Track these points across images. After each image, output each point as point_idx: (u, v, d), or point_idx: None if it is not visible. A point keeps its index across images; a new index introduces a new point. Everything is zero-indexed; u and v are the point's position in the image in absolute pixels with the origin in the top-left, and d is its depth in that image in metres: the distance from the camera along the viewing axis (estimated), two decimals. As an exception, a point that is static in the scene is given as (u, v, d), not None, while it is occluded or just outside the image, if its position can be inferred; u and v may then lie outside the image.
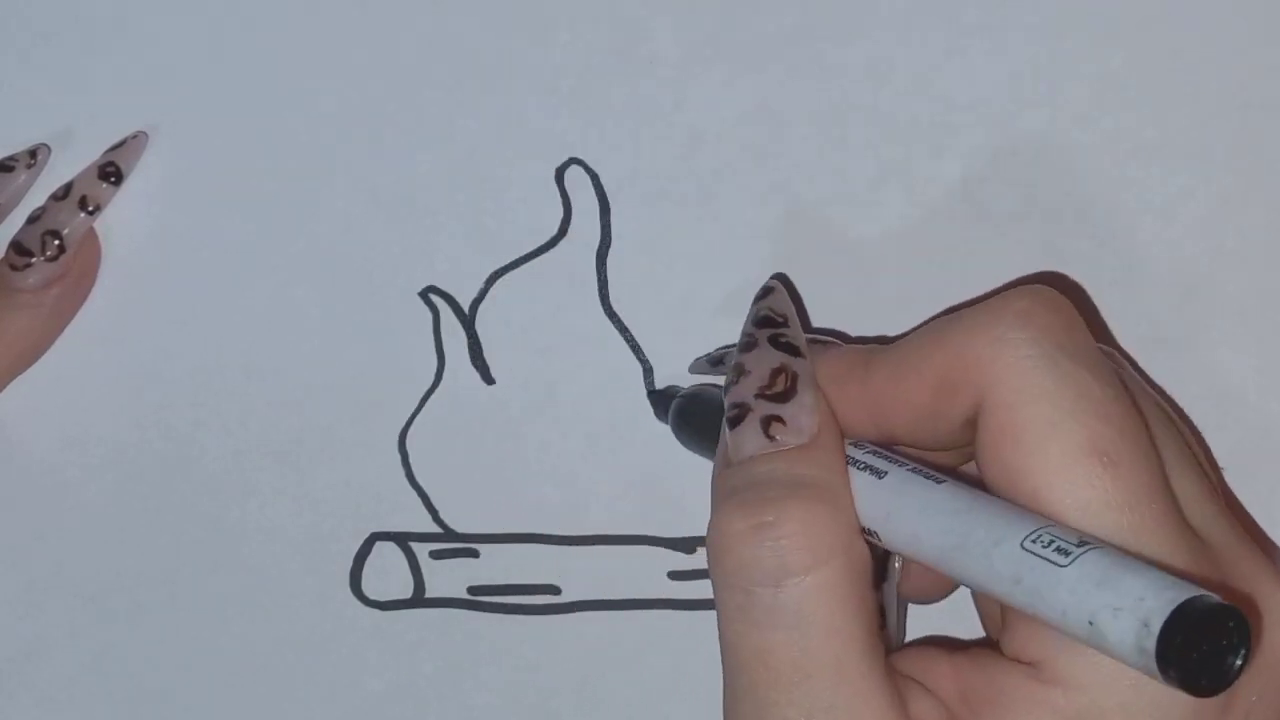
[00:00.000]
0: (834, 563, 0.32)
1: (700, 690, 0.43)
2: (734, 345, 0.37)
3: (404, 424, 0.43)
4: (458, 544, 0.43)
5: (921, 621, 0.41)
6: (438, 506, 0.43)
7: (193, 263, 0.43)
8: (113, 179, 0.42)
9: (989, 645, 0.34)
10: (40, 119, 0.43)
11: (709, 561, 0.33)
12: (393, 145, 0.42)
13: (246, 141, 0.43)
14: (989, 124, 0.41)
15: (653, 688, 0.43)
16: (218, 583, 0.44)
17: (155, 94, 0.43)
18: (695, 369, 0.42)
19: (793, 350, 0.36)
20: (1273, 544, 0.41)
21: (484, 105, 0.42)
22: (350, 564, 0.44)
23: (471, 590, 0.43)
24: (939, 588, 0.39)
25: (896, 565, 0.38)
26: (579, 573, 0.43)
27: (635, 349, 0.43)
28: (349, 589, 0.44)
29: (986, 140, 0.41)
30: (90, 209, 0.42)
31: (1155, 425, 0.34)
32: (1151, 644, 0.27)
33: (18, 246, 0.42)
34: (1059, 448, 0.32)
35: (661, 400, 0.42)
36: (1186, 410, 0.41)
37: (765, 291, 0.38)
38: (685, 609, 0.43)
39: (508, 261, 0.43)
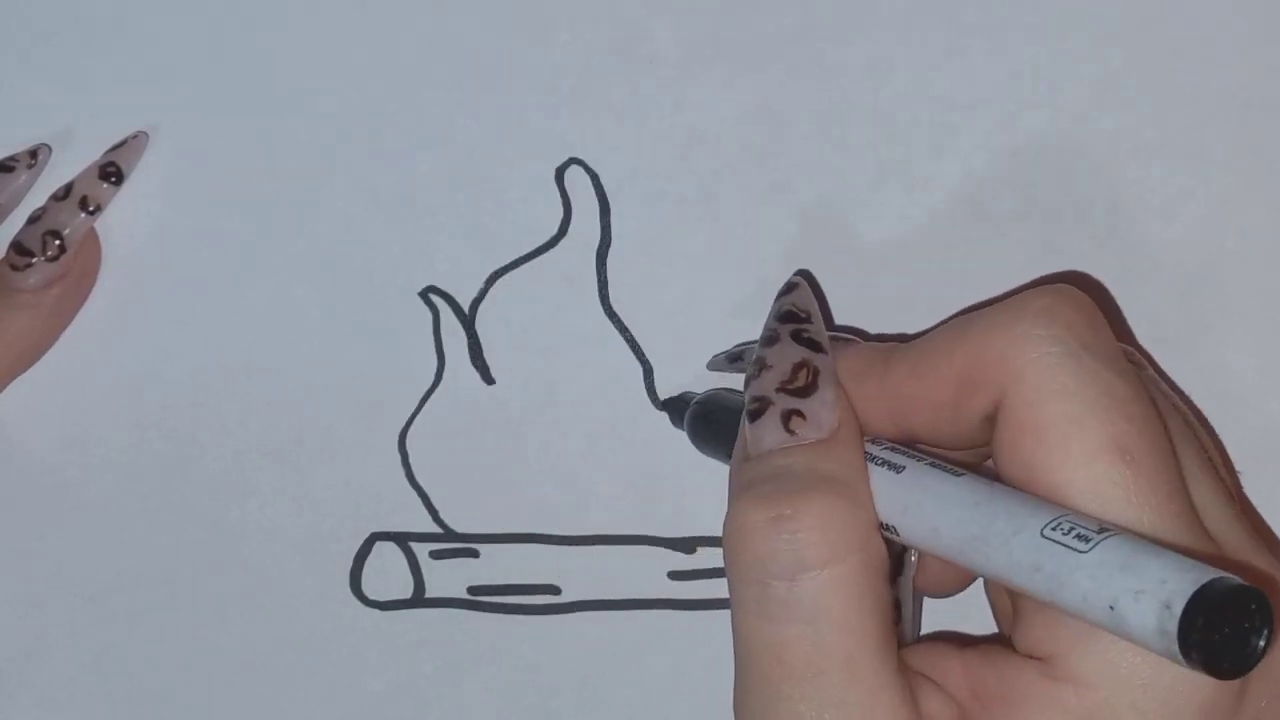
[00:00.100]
0: (851, 558, 0.32)
1: (700, 690, 0.43)
2: (752, 343, 0.37)
3: (404, 424, 0.43)
4: (458, 544, 0.43)
5: (933, 617, 0.41)
6: (438, 506, 0.43)
7: (193, 263, 0.43)
8: (113, 179, 0.42)
9: (1001, 641, 0.34)
10: (40, 119, 0.43)
11: (725, 553, 0.33)
12: (393, 145, 0.42)
13: (246, 141, 0.43)
14: (989, 124, 0.41)
15: (653, 688, 0.43)
16: (218, 583, 0.44)
17: (155, 94, 0.43)
18: (714, 365, 0.42)
19: (815, 346, 0.36)
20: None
21: (484, 105, 0.42)
22: (350, 564, 0.44)
23: (471, 590, 0.43)
24: (955, 582, 0.39)
25: (913, 559, 0.38)
26: (579, 573, 0.43)
27: (635, 349, 0.43)
28: (349, 589, 0.44)
29: (986, 140, 0.41)
30: (91, 209, 0.42)
31: (1174, 427, 0.34)
32: (1174, 626, 0.27)
33: (18, 246, 0.42)
34: (1080, 444, 0.32)
35: (675, 406, 0.42)
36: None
37: (789, 287, 0.38)
38: (685, 609, 0.43)
39: (508, 261, 0.43)
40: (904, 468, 0.34)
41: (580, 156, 0.42)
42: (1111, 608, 0.28)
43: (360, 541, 0.43)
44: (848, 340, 0.38)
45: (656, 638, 0.43)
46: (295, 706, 0.44)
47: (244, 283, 0.43)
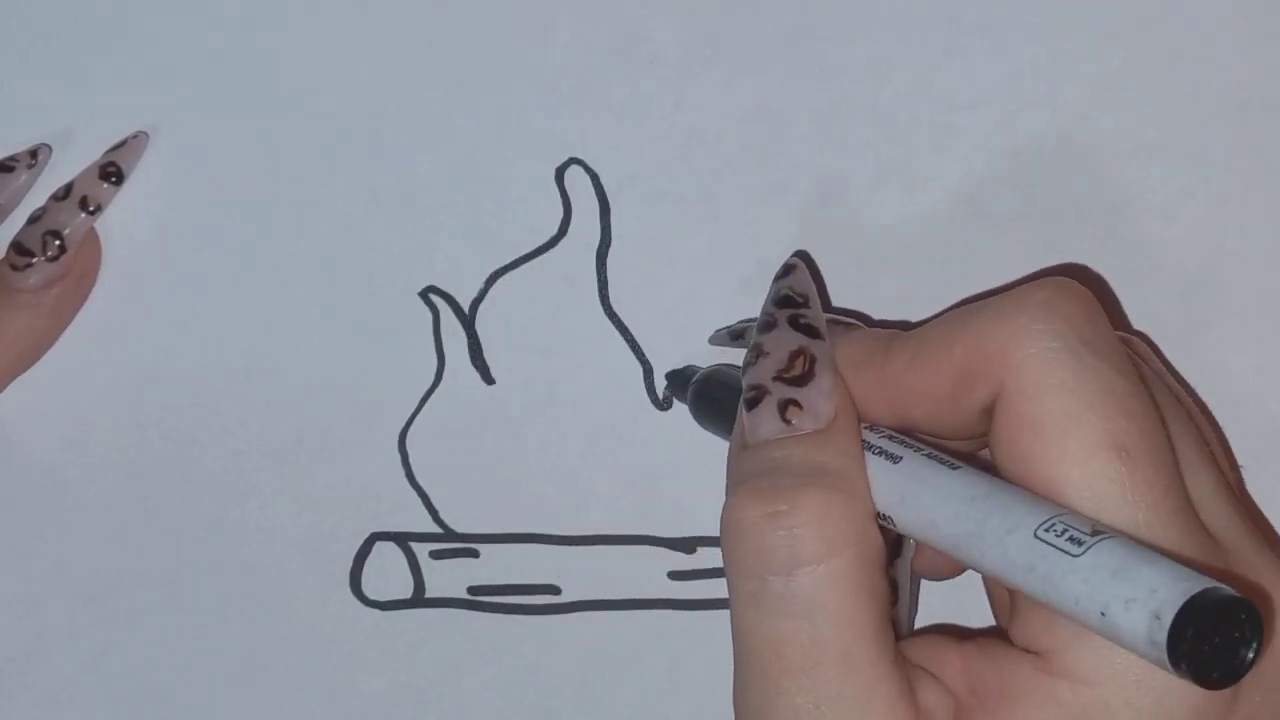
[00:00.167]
0: (847, 552, 0.32)
1: (700, 690, 0.43)
2: (754, 320, 0.37)
3: (404, 424, 0.43)
4: (458, 544, 0.43)
5: (933, 611, 0.41)
6: (438, 506, 0.43)
7: (193, 263, 0.43)
8: (113, 179, 0.42)
9: (999, 635, 0.34)
10: (40, 119, 0.43)
11: (722, 547, 0.33)
12: (393, 145, 0.42)
13: (246, 141, 0.43)
14: (989, 124, 0.41)
15: (653, 688, 0.43)
16: (218, 583, 0.44)
17: (155, 94, 0.43)
18: (716, 340, 0.42)
19: (812, 332, 0.36)
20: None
21: (484, 105, 0.42)
22: (350, 564, 0.44)
23: (471, 590, 0.43)
24: (952, 565, 0.39)
25: (911, 542, 0.38)
26: (579, 573, 0.43)
27: (635, 349, 0.43)
28: (349, 589, 0.44)
29: (986, 140, 0.41)
30: (91, 209, 0.42)
31: (1174, 421, 0.34)
32: (1163, 637, 0.27)
33: (18, 246, 0.42)
34: (1077, 441, 0.32)
35: (678, 379, 0.42)
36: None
37: (786, 270, 0.38)
38: (685, 609, 0.43)
39: (508, 261, 0.43)
40: (901, 458, 0.34)
41: (580, 156, 0.42)
42: (1103, 614, 0.29)
43: (360, 541, 0.43)
44: (849, 325, 0.38)
45: (656, 638, 0.43)
46: (295, 706, 0.44)
47: (244, 283, 0.43)
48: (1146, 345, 0.39)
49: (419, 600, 0.44)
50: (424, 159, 0.42)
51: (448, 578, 0.43)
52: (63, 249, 0.42)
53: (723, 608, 0.42)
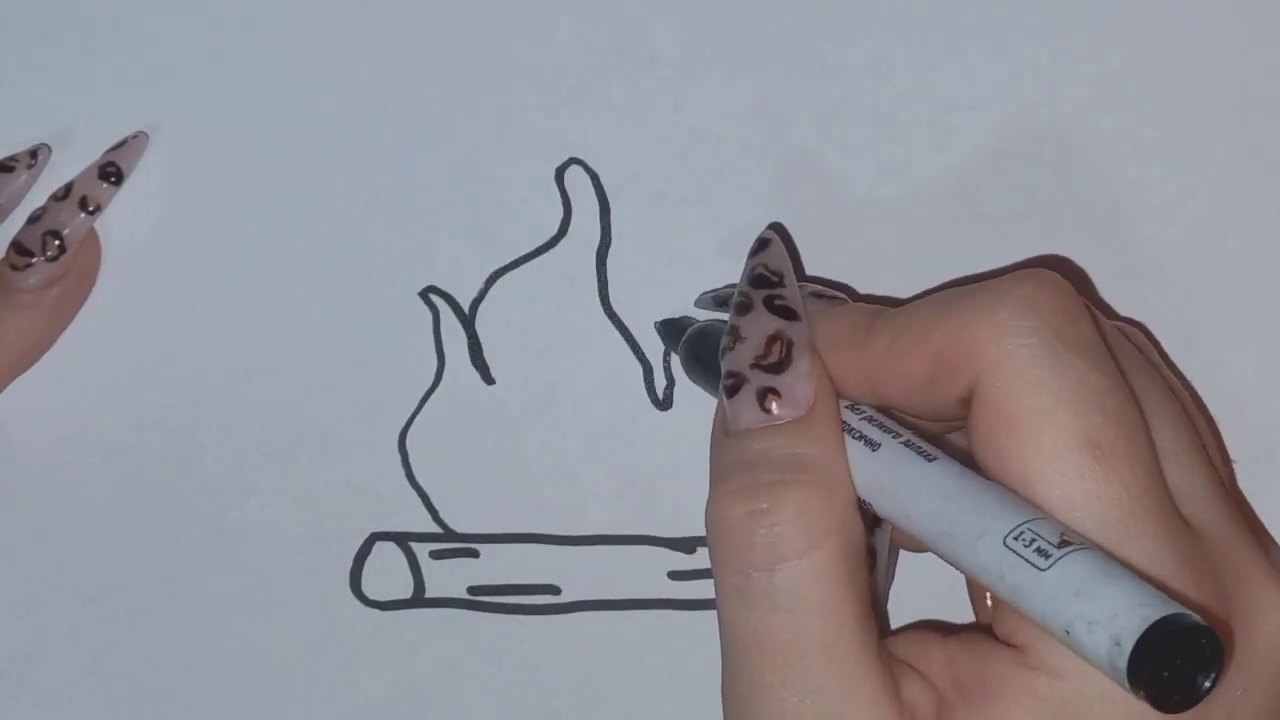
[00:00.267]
0: (828, 545, 0.33)
1: (700, 690, 0.43)
2: (734, 287, 0.37)
3: (404, 424, 0.43)
4: (458, 544, 0.43)
5: (914, 606, 0.41)
6: (438, 506, 0.43)
7: (193, 263, 0.43)
8: (113, 179, 0.42)
9: (982, 629, 0.34)
10: (40, 119, 0.43)
11: (708, 543, 0.34)
12: (393, 145, 0.42)
13: (246, 141, 0.43)
14: (989, 124, 0.41)
15: (653, 688, 0.43)
16: (218, 583, 0.44)
17: (155, 94, 0.43)
18: (700, 304, 0.42)
19: (788, 314, 0.36)
20: (1272, 538, 0.41)
21: (484, 105, 0.42)
22: (350, 564, 0.44)
23: (471, 590, 0.43)
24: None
25: None
26: (579, 573, 0.43)
27: (635, 349, 0.43)
28: (349, 589, 0.44)
29: (986, 140, 0.41)
30: (90, 209, 0.42)
31: (1161, 413, 0.34)
32: (1123, 662, 0.28)
33: (18, 246, 0.42)
34: (1051, 438, 0.32)
35: (671, 330, 0.42)
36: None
37: (761, 244, 0.38)
38: (685, 609, 0.43)
39: (508, 261, 0.43)
40: (880, 445, 0.34)
41: (580, 156, 0.42)
42: (1067, 632, 0.29)
43: (360, 541, 0.43)
44: (832, 299, 0.38)
45: (656, 638, 0.43)
46: (295, 706, 0.44)
47: (244, 283, 0.43)
48: (1143, 335, 0.39)
49: (419, 600, 0.44)
50: (424, 159, 0.42)
51: (448, 578, 0.43)
52: (62, 249, 0.42)
53: (723, 608, 0.43)
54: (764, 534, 0.33)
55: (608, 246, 0.42)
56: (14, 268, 0.42)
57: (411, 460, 0.43)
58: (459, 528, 0.43)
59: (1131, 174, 0.41)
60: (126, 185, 0.43)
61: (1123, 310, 0.41)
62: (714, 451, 0.36)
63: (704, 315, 0.42)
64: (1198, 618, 0.28)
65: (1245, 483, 0.41)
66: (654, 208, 0.42)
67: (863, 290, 0.42)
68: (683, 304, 0.42)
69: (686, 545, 0.43)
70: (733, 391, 0.35)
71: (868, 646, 0.33)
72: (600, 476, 0.43)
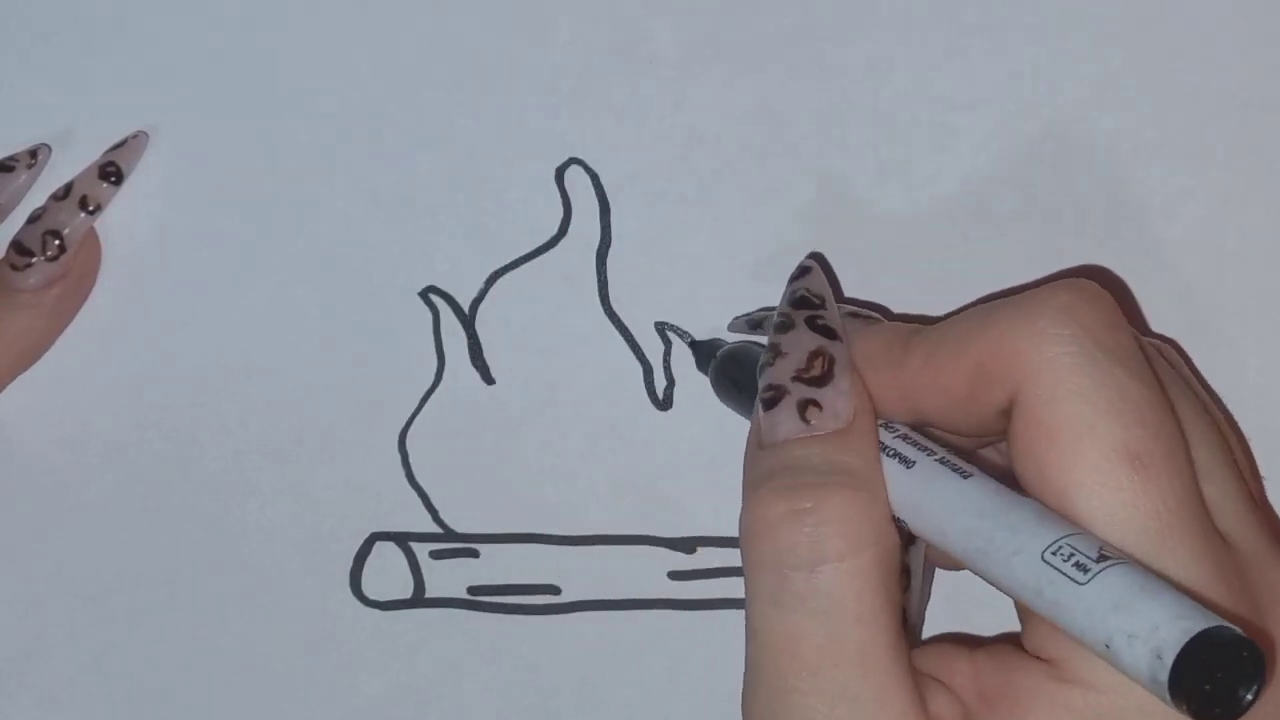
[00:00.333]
0: (867, 552, 0.32)
1: (700, 690, 0.43)
2: (773, 308, 0.37)
3: (404, 424, 0.43)
4: (458, 544, 0.43)
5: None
6: (438, 506, 0.43)
7: (193, 263, 0.43)
8: (113, 179, 0.42)
9: (1009, 642, 0.34)
10: (40, 119, 0.43)
11: (742, 543, 0.34)
12: (393, 145, 0.42)
13: (246, 141, 0.43)
14: (989, 124, 0.41)
15: (653, 688, 0.43)
16: (218, 583, 0.44)
17: (155, 94, 0.43)
18: (734, 327, 0.41)
19: (829, 333, 0.36)
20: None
21: (484, 105, 0.42)
22: (350, 564, 0.44)
23: (471, 590, 0.43)
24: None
25: None
26: (579, 573, 0.43)
27: (635, 349, 0.43)
28: (349, 589, 0.44)
29: (986, 140, 0.41)
30: (90, 209, 0.42)
31: (1196, 429, 0.34)
32: (1164, 675, 0.27)
33: (18, 246, 0.42)
34: (1091, 449, 0.32)
35: (703, 351, 0.42)
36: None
37: (802, 271, 0.38)
38: (685, 609, 0.43)
39: (508, 261, 0.43)
40: (914, 463, 0.34)
41: (580, 156, 0.42)
42: (1107, 645, 0.29)
43: (360, 541, 0.43)
44: (867, 319, 0.38)
45: (656, 638, 0.43)
46: (295, 706, 0.44)
47: (244, 283, 0.43)
48: (1175, 352, 0.39)
49: (419, 600, 0.44)
50: (424, 159, 0.42)
51: (448, 578, 0.43)
52: (62, 249, 0.42)
53: (722, 607, 0.43)
54: (806, 532, 0.32)
55: (608, 246, 0.42)
56: (14, 267, 0.42)
57: (411, 460, 0.43)
58: (459, 528, 0.43)
59: (1131, 174, 0.41)
60: (126, 185, 0.43)
61: (1123, 310, 0.41)
62: (748, 464, 0.35)
63: (734, 338, 0.41)
64: (1239, 630, 0.28)
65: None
66: (654, 208, 0.42)
67: (863, 291, 0.42)
68: (683, 304, 0.42)
69: (686, 545, 0.43)
70: (771, 403, 0.35)
71: (900, 658, 0.33)
72: (600, 476, 0.43)
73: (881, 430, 0.35)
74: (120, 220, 0.43)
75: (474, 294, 0.43)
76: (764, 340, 0.37)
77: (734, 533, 0.42)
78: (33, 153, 0.43)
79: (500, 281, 0.43)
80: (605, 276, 0.42)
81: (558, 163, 0.42)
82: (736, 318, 0.41)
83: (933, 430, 0.35)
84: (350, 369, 0.43)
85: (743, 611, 0.42)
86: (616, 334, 0.42)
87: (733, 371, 0.40)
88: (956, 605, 0.41)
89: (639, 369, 0.43)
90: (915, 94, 0.41)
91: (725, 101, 0.42)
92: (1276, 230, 0.41)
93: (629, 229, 0.42)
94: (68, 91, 0.43)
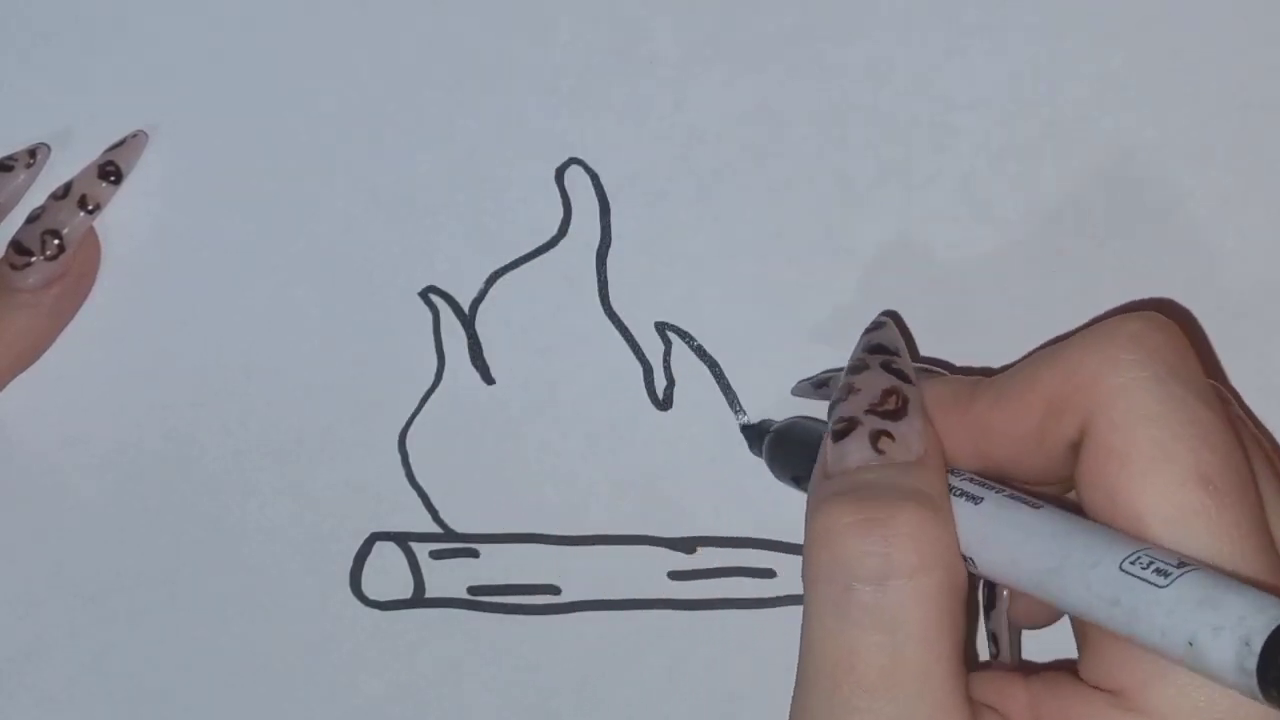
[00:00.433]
0: (937, 573, 0.32)
1: (700, 690, 0.43)
2: (837, 370, 0.37)
3: (404, 424, 0.43)
4: (458, 544, 0.43)
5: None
6: (438, 506, 0.43)
7: (193, 263, 0.43)
8: (112, 178, 0.42)
9: (1066, 670, 0.34)
10: (40, 119, 0.43)
11: (806, 555, 0.33)
12: (393, 145, 0.42)
13: (246, 141, 0.43)
14: (989, 124, 0.41)
15: (653, 688, 0.43)
16: (218, 583, 0.44)
17: (155, 94, 0.43)
18: (798, 391, 0.41)
19: (903, 378, 0.36)
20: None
21: (484, 105, 0.42)
22: (350, 564, 0.44)
23: (471, 590, 0.43)
24: (1047, 612, 0.38)
25: (1004, 593, 0.38)
26: (579, 573, 0.43)
27: (635, 349, 0.43)
28: (349, 589, 0.44)
29: (986, 140, 0.41)
30: (90, 208, 0.42)
31: (1255, 460, 0.34)
32: (1253, 663, 0.27)
33: (17, 246, 0.42)
34: (1165, 472, 0.31)
35: (754, 433, 0.42)
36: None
37: (876, 326, 0.38)
38: (685, 609, 0.43)
39: (508, 261, 0.43)
40: (982, 499, 0.33)
41: (580, 156, 0.42)
42: (1190, 644, 0.28)
43: (360, 541, 0.43)
44: (933, 372, 0.38)
45: (656, 638, 0.43)
46: (295, 706, 0.44)
47: (244, 283, 0.43)
48: (1226, 392, 0.39)
49: (419, 600, 0.44)
50: (424, 159, 0.42)
51: (448, 578, 0.43)
52: (61, 248, 0.42)
53: (722, 607, 0.43)
54: (877, 543, 0.32)
55: (608, 246, 0.42)
56: (13, 267, 0.42)
57: (411, 460, 0.43)
58: (459, 528, 0.43)
59: (1131, 174, 0.41)
60: (126, 184, 0.43)
61: (1123, 311, 0.41)
62: (813, 490, 0.34)
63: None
64: None
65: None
66: (654, 208, 0.42)
67: (863, 292, 0.42)
68: (683, 304, 0.42)
69: (686, 545, 0.43)
70: (842, 435, 0.34)
71: (960, 686, 0.32)
72: (600, 476, 0.43)
73: (949, 475, 0.35)
74: (120, 220, 0.43)
75: (474, 294, 0.43)
76: (820, 416, 0.37)
77: (734, 533, 0.42)
78: (32, 152, 0.43)
79: (500, 281, 0.43)
80: (605, 276, 0.42)
81: (558, 163, 0.42)
82: (800, 382, 0.41)
83: (1000, 479, 0.35)
84: (350, 369, 0.43)
85: (742, 611, 0.43)
86: (616, 334, 0.42)
87: (788, 447, 0.40)
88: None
89: (639, 369, 0.43)
90: (915, 94, 0.41)
91: (725, 101, 0.42)
92: (1276, 230, 0.41)
93: (629, 229, 0.42)
94: (67, 91, 0.43)
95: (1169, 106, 0.41)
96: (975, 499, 0.34)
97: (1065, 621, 0.37)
